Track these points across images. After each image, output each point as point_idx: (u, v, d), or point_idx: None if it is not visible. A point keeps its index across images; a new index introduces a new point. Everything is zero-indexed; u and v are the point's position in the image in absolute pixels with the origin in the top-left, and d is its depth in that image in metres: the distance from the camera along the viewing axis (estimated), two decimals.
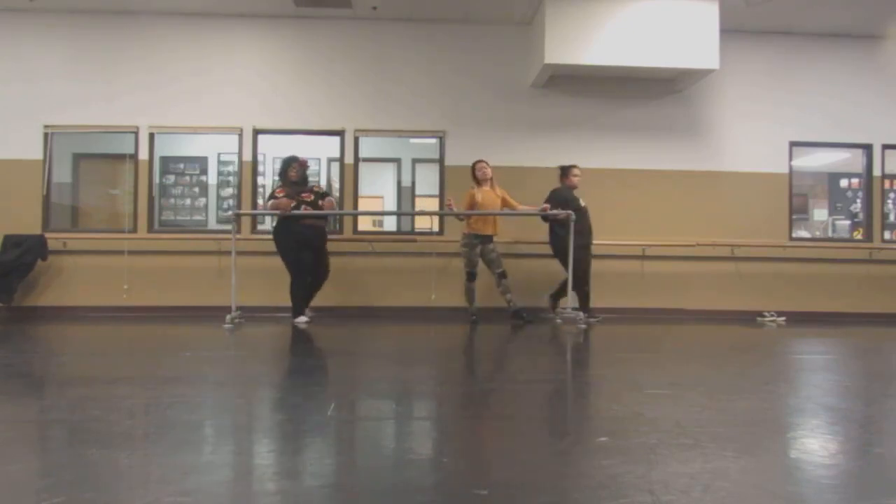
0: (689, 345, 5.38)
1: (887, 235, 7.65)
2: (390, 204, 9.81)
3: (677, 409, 2.80)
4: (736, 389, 3.34)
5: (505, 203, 6.27)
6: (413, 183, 9.48)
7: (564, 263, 6.12)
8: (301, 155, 6.27)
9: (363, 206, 7.97)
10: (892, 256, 7.43)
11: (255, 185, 7.27)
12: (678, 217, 7.27)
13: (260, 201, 7.57)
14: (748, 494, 1.79)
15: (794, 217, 7.55)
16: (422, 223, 8.06)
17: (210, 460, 2.07)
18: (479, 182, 6.26)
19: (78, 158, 7.84)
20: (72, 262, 6.93)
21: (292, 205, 5.89)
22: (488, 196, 6.18)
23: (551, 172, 6.80)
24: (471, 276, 6.26)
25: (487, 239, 6.21)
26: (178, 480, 1.85)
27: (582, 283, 6.29)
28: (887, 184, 7.64)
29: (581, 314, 6.15)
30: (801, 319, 7.07)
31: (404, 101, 7.23)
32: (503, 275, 6.21)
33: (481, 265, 6.26)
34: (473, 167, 6.32)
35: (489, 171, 6.26)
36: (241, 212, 6.85)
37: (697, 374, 3.85)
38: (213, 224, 7.85)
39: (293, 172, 6.04)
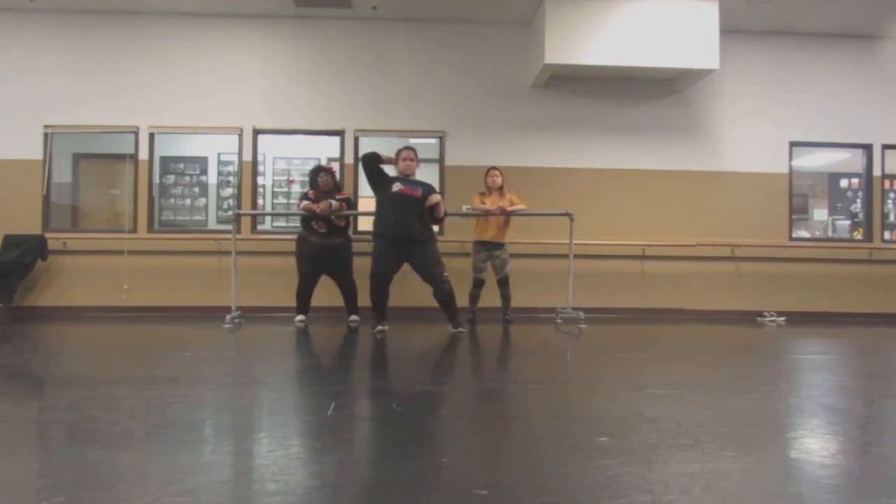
0: (689, 345, 5.38)
1: (887, 235, 7.65)
2: None
3: (677, 409, 2.80)
4: (736, 389, 3.34)
5: (503, 209, 6.10)
6: None
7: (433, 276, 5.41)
8: (327, 163, 6.21)
9: (363, 206, 7.96)
10: (892, 256, 7.43)
11: (255, 185, 7.27)
12: (678, 217, 7.26)
13: (260, 201, 7.57)
14: (748, 494, 1.79)
15: (794, 217, 7.55)
16: None
17: (210, 460, 2.07)
18: (489, 190, 6.22)
19: (78, 158, 7.83)
20: (72, 262, 6.93)
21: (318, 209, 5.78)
22: (494, 203, 6.11)
23: (552, 172, 6.80)
24: (476, 282, 6.28)
25: (493, 245, 6.18)
26: (178, 480, 1.85)
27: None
28: (887, 184, 7.64)
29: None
30: (801, 319, 7.07)
31: (404, 101, 7.23)
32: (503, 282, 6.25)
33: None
34: (486, 174, 6.25)
35: (500, 180, 6.16)
36: (241, 212, 6.85)
37: (697, 374, 3.84)
38: (213, 224, 7.85)
39: (322, 182, 5.98)
